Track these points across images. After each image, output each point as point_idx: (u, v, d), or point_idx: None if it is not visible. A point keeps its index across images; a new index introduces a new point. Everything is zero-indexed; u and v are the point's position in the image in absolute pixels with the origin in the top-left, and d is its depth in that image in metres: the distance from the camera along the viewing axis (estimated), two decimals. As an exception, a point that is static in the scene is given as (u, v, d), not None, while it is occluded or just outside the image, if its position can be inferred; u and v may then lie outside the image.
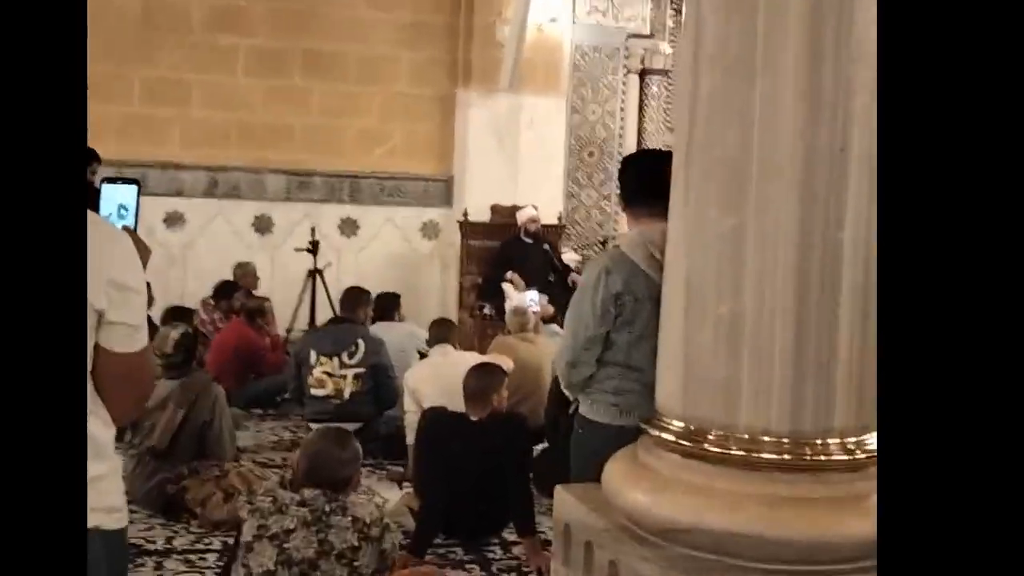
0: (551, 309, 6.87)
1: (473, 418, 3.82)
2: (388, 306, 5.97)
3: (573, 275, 7.76)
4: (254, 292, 7.23)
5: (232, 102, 8.09)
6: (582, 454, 2.72)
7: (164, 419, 4.03)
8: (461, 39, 8.36)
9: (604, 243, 8.28)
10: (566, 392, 2.76)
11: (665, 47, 8.88)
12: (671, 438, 2.29)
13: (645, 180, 2.66)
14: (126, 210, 1.91)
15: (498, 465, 3.77)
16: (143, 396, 1.85)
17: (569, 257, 8.15)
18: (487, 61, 8.21)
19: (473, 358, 4.94)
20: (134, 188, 1.93)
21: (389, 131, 8.47)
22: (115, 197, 1.91)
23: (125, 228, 1.85)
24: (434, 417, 3.96)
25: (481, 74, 8.24)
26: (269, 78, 8.15)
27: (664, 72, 8.92)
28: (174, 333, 4.16)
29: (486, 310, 7.63)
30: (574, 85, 8.68)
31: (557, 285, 7.62)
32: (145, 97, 7.91)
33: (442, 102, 8.52)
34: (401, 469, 4.96)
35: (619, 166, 2.84)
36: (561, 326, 6.84)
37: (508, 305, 7.44)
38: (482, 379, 3.87)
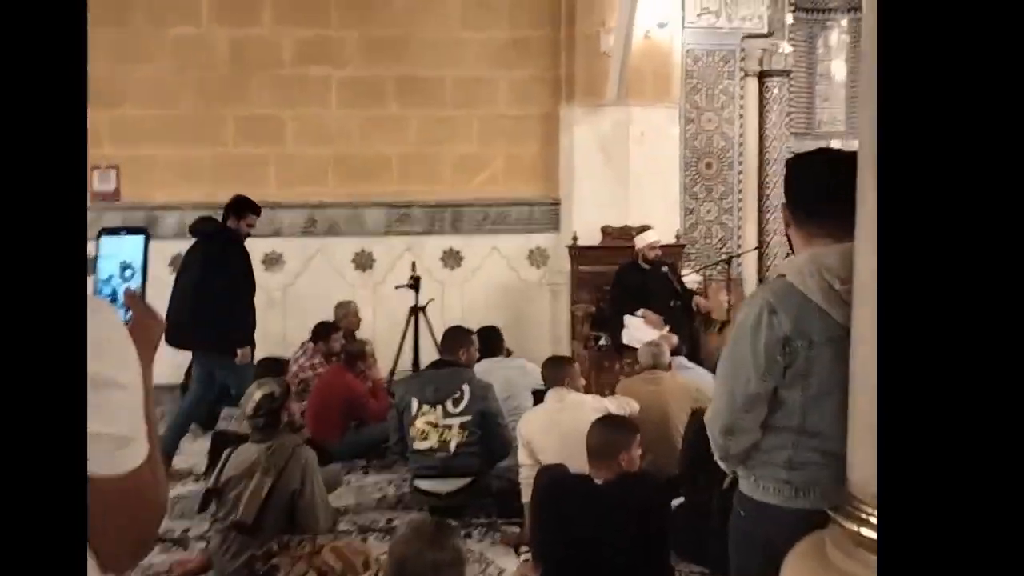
0: (675, 339, 6.23)
1: (597, 480, 3.21)
2: (491, 341, 5.43)
3: (697, 299, 7.10)
4: (356, 333, 6.84)
5: (327, 136, 7.80)
6: (747, 543, 2.09)
7: (250, 489, 3.58)
8: (563, 53, 7.89)
9: (728, 262, 7.56)
10: (720, 463, 2.14)
11: (785, 46, 8.15)
12: (873, 535, 1.68)
13: (819, 187, 2.02)
14: (132, 270, 1.40)
15: (629, 536, 3.16)
16: (147, 531, 1.22)
17: (691, 279, 7.47)
18: (591, 74, 7.66)
19: (593, 402, 4.35)
20: (140, 240, 1.43)
21: (490, 155, 8.03)
22: (117, 253, 1.41)
23: (129, 293, 1.35)
24: (552, 479, 3.37)
25: (585, 88, 7.71)
26: (364, 108, 7.85)
27: (786, 73, 8.18)
28: (257, 393, 3.71)
29: (602, 341, 7.04)
30: (687, 93, 8.02)
31: (680, 312, 6.97)
32: (239, 136, 7.68)
33: (545, 121, 8.03)
34: (517, 529, 4.39)
35: (785, 168, 2.16)
36: (689, 358, 6.29)
37: (627, 335, 6.85)
38: (607, 435, 3.26)
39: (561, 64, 7.88)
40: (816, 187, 2.03)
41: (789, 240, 2.14)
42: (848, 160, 2.00)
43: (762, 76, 8.15)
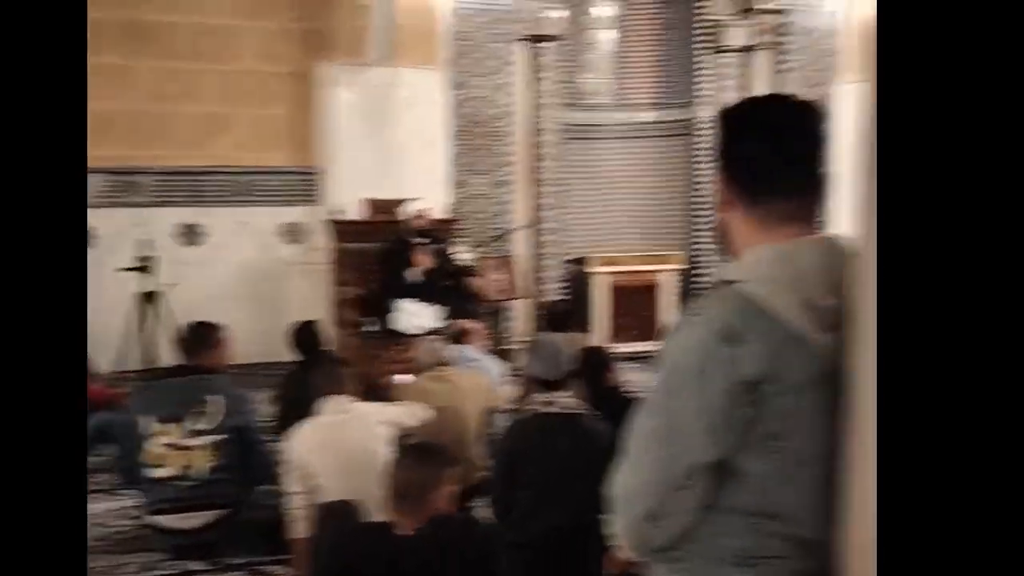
0: (478, 327, 5.57)
1: (400, 532, 2.49)
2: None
3: (472, 279, 6.51)
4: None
5: (30, 85, 6.43)
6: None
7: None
8: (318, 3, 6.97)
9: (501, 239, 7.02)
10: (631, 553, 1.48)
11: (560, 9, 7.69)
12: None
13: (779, 150, 1.39)
14: None
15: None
16: None
17: (464, 257, 6.86)
18: (352, 29, 6.85)
19: (377, 412, 3.62)
20: None
21: (234, 117, 7.03)
22: None
23: None
24: (339, 536, 2.60)
25: (346, 45, 6.88)
26: (77, 54, 6.53)
27: (557, 38, 7.73)
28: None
29: (369, 327, 6.28)
30: (455, 56, 7.39)
31: (455, 293, 6.35)
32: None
33: (298, 80, 7.12)
34: (282, 570, 3.59)
35: (718, 122, 1.45)
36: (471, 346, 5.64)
37: (399, 320, 6.15)
38: (417, 471, 2.52)
39: (318, 15, 6.99)
40: (768, 153, 1.38)
41: (721, 231, 1.46)
42: (809, 110, 1.41)
43: (534, 41, 7.67)
